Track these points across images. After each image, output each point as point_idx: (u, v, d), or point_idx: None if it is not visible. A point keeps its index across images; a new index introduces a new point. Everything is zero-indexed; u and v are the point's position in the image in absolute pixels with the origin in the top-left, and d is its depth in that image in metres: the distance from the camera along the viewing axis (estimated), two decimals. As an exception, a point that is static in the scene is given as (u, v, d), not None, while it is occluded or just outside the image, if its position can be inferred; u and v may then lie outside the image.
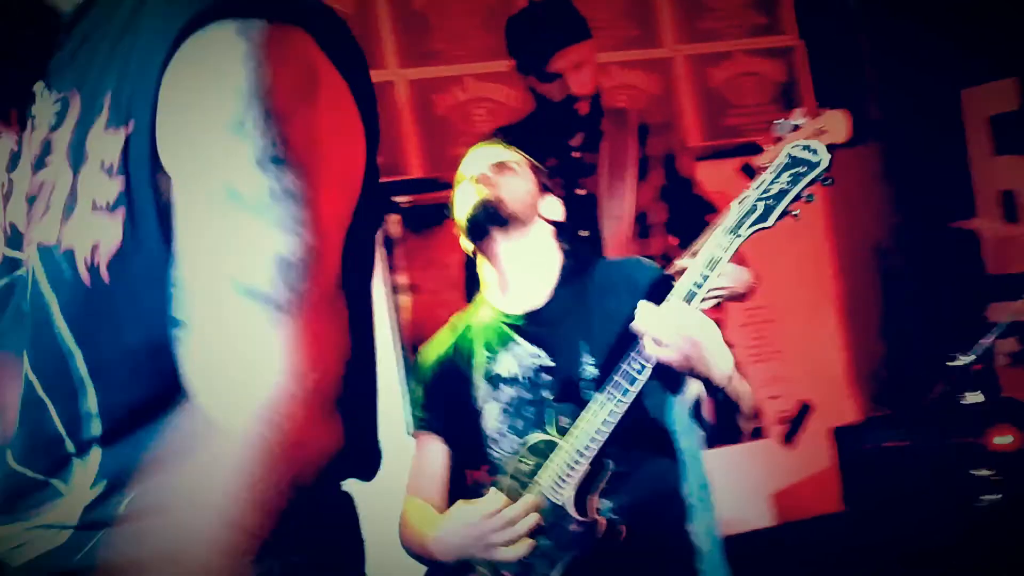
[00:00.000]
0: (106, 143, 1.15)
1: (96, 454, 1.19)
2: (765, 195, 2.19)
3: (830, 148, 2.64)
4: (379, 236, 3.81)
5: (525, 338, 2.43)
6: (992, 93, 4.58)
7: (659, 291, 2.32)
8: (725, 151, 4.40)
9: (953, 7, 4.29)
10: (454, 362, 2.52)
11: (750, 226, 2.17)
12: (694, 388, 2.28)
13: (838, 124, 2.76)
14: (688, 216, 3.13)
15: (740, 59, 4.71)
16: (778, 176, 2.19)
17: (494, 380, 2.44)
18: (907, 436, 3.98)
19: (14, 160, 1.31)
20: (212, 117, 1.09)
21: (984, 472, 3.32)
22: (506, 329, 2.46)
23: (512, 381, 2.42)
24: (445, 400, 2.46)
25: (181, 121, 1.11)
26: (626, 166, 3.21)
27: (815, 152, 2.20)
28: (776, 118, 4.11)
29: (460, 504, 2.27)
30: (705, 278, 2.19)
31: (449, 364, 2.48)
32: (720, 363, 2.18)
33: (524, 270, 2.47)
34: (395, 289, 3.84)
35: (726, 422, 2.31)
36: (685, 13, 4.62)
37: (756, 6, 4.74)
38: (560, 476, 2.24)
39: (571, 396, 2.34)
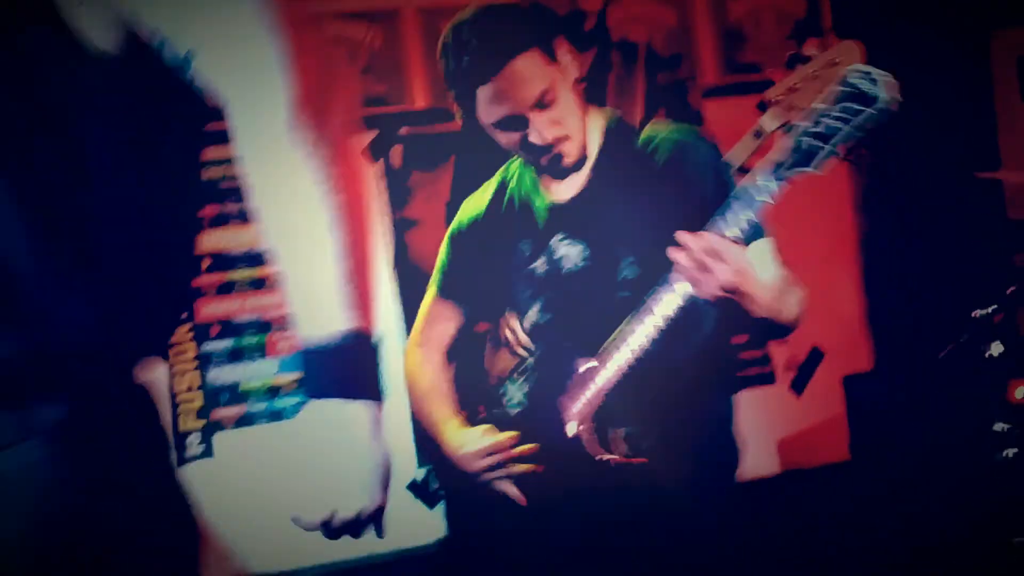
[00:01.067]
0: None
1: None
2: (813, 132, 1.97)
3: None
4: (380, 167, 3.79)
5: (562, 230, 2.33)
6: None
7: (718, 177, 2.24)
8: (741, 87, 4.34)
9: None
10: (492, 226, 2.45)
11: (790, 168, 1.98)
12: None
13: (852, 56, 2.64)
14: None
15: (759, -9, 4.70)
16: (829, 111, 1.96)
17: (528, 278, 2.38)
18: (921, 387, 3.96)
19: None
20: None
21: (1003, 426, 3.32)
22: (546, 216, 2.36)
23: (547, 281, 2.36)
24: (471, 263, 2.44)
25: None
26: (634, 99, 3.15)
27: (874, 82, 1.94)
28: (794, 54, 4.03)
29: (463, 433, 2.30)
30: (742, 221, 2.03)
31: (485, 227, 2.43)
32: (763, 295, 2.03)
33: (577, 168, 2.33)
34: (396, 223, 3.79)
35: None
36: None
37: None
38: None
39: (604, 300, 2.25)
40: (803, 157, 1.95)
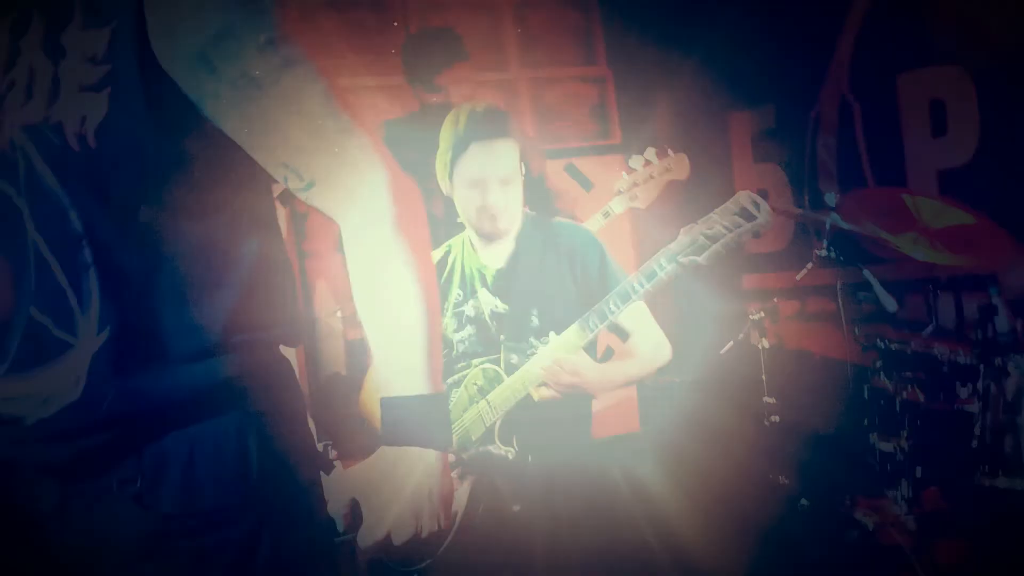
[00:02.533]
0: (87, 39, 1.21)
1: (96, 305, 1.23)
2: (707, 232, 2.21)
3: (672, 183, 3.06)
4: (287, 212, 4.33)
5: (489, 288, 2.68)
6: (755, 116, 4.89)
7: (591, 255, 2.59)
8: (555, 152, 4.84)
9: (726, 46, 4.48)
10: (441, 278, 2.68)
11: (687, 255, 2.24)
12: None
13: (681, 166, 3.13)
14: (542, 206, 3.30)
15: (566, 83, 5.14)
16: (723, 218, 2.20)
17: (460, 316, 2.70)
18: (707, 374, 4.17)
19: None
20: (201, 22, 1.19)
21: (768, 399, 3.61)
22: (480, 276, 2.69)
23: (473, 320, 2.68)
24: None
25: (170, 25, 1.19)
26: None
27: (759, 208, 2.18)
28: (592, 129, 4.52)
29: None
30: (640, 287, 2.36)
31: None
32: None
33: (501, 235, 2.69)
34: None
35: None
36: (526, 46, 5.11)
37: (577, 41, 5.19)
38: (493, 407, 2.56)
39: (519, 338, 2.62)
40: (696, 250, 2.22)
